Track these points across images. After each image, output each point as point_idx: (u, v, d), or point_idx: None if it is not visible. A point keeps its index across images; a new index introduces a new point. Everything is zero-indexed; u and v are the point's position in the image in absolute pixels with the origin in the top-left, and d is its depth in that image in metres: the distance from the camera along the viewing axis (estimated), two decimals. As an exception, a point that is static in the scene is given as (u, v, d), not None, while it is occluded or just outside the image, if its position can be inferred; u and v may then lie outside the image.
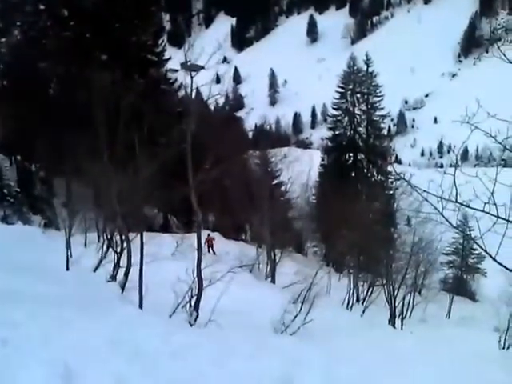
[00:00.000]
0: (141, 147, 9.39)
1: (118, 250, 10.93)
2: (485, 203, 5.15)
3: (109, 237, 12.25)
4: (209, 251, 22.71)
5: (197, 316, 9.13)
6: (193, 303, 9.24)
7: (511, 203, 5.38)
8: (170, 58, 29.09)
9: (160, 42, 29.28)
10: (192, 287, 9.22)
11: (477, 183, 5.68)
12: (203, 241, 22.79)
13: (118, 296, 9.64)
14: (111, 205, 10.84)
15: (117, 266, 10.96)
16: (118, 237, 11.16)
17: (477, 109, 5.79)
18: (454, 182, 5.29)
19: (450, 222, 5.58)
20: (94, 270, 12.12)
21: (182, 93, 28.49)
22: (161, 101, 25.00)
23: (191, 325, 8.96)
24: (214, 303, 9.25)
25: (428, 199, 5.88)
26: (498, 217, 5.13)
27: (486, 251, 5.86)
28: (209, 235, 23.89)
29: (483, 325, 24.27)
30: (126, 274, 10.01)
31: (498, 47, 6.48)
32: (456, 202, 5.26)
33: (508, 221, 5.16)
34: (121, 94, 12.88)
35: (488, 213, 5.15)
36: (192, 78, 9.02)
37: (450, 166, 6.14)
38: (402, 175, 8.18)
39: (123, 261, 10.64)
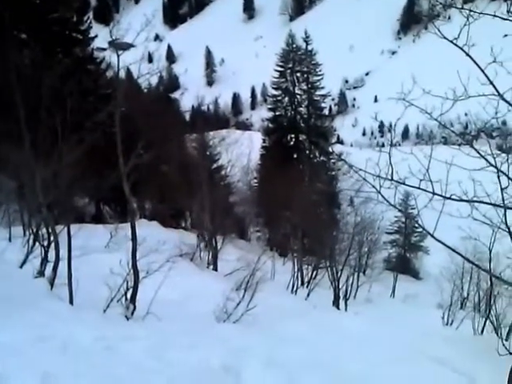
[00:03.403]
0: (65, 132, 9.06)
1: (45, 243, 10.56)
2: (420, 180, 5.35)
3: (34, 230, 11.80)
4: None
5: (134, 309, 9.01)
6: (129, 296, 9.10)
7: (447, 179, 5.63)
8: (96, 36, 28.13)
9: (85, 18, 28.24)
10: (127, 279, 9.08)
11: (414, 161, 5.89)
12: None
13: (47, 292, 9.34)
14: (35, 195, 10.45)
15: (44, 261, 10.59)
16: (44, 230, 10.77)
17: (412, 86, 5.98)
18: (390, 160, 5.45)
19: (387, 200, 5.76)
20: (21, 266, 11.66)
21: (110, 73, 27.76)
22: (87, 81, 24.19)
23: (128, 318, 8.84)
24: (153, 295, 9.16)
25: (366, 178, 6.04)
26: (433, 193, 5.33)
27: (423, 228, 6.10)
28: None
29: (427, 302, 25.45)
30: (55, 268, 9.70)
31: (433, 23, 6.69)
32: (392, 179, 5.43)
33: (444, 197, 5.38)
34: (42, 75, 12.33)
35: (423, 189, 5.34)
36: (118, 56, 8.76)
37: (391, 145, 6.33)
38: (341, 155, 8.38)
39: (51, 255, 10.30)
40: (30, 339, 5.83)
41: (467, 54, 5.55)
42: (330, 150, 45.61)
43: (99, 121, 11.29)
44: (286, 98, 46.67)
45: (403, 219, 40.21)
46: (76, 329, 6.53)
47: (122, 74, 12.00)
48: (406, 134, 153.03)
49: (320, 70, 47.37)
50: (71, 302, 8.82)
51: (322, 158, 45.58)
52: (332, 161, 44.03)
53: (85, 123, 10.48)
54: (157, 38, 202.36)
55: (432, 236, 5.93)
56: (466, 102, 6.17)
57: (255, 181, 41.81)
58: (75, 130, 9.51)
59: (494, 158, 5.76)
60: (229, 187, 34.19)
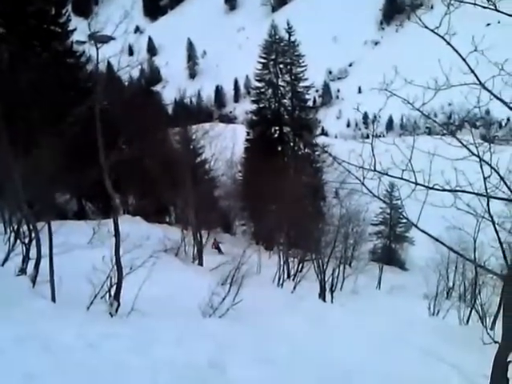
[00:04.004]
0: (44, 127, 8.96)
1: (27, 241, 10.46)
2: (403, 170, 5.38)
3: (15, 227, 11.67)
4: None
5: (118, 306, 8.96)
6: (113, 293, 9.05)
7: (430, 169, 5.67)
8: (75, 29, 27.90)
9: (64, 11, 27.99)
10: (111, 276, 9.02)
11: (398, 151, 5.92)
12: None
13: (29, 290, 9.25)
14: (15, 192, 10.32)
15: (26, 259, 10.49)
16: (25, 227, 10.66)
17: (394, 76, 6.01)
18: (372, 151, 5.48)
19: (371, 192, 5.80)
20: (2, 264, 11.56)
21: (90, 66, 27.53)
22: (67, 75, 23.96)
23: (112, 315, 8.80)
24: (137, 291, 9.11)
25: (350, 170, 6.08)
26: (416, 183, 5.37)
27: (407, 218, 6.16)
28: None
29: (413, 293, 25.70)
30: (37, 266, 9.61)
31: (414, 13, 6.72)
32: (375, 170, 5.46)
33: (426, 187, 5.43)
34: (20, 70, 12.18)
35: (406, 180, 5.38)
36: (97, 49, 8.66)
37: (377, 136, 6.35)
38: (325, 147, 8.40)
39: (33, 253, 10.21)
40: (11, 338, 5.78)
41: (448, 43, 5.59)
42: (315, 142, 45.64)
43: (79, 115, 11.18)
44: (270, 90, 46.57)
45: (388, 210, 40.51)
46: (58, 327, 6.50)
47: (103, 67, 11.88)
48: (390, 125, 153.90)
49: (303, 62, 47.33)
50: (53, 299, 8.76)
51: (306, 151, 45.63)
52: (317, 153, 44.11)
53: (64, 118, 10.36)
54: (137, 30, 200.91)
55: (416, 226, 5.98)
56: (450, 92, 6.21)
57: (240, 174, 41.78)
58: (55, 124, 9.40)
59: (477, 148, 5.82)
60: (213, 181, 34.15)
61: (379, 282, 30.19)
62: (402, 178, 5.42)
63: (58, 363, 5.48)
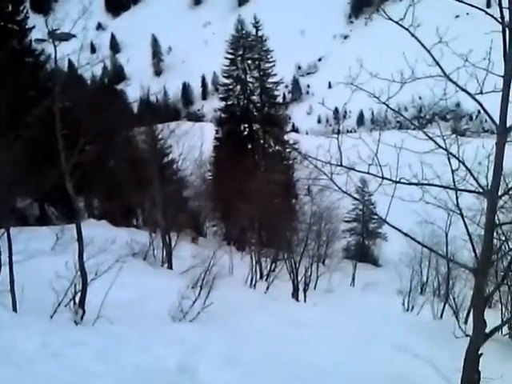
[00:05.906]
0: (2, 128, 8.78)
1: (-15, 249, 10.22)
2: (369, 165, 5.44)
3: (-27, 235, 11.40)
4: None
5: (83, 313, 8.85)
6: (77, 300, 8.93)
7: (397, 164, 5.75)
8: (33, 27, 27.42)
9: (21, 8, 27.51)
10: (75, 282, 8.91)
11: (366, 147, 5.99)
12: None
13: (-11, 300, 9.07)
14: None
15: (-15, 268, 10.26)
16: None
17: (360, 70, 6.08)
18: (339, 146, 5.53)
19: (339, 187, 5.85)
20: (-41, 275, 11.28)
21: (52, 65, 27.12)
22: (25, 75, 23.55)
23: (77, 323, 8.68)
24: (103, 297, 9.01)
25: (319, 166, 6.12)
26: (382, 177, 5.45)
27: (377, 214, 6.26)
28: None
29: (387, 289, 26.04)
30: (-4, 275, 9.43)
31: (380, 6, 6.80)
32: (341, 165, 5.51)
33: (393, 181, 5.50)
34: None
35: (372, 174, 5.45)
36: (55, 47, 8.54)
37: (347, 131, 6.38)
38: (295, 144, 8.42)
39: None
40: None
41: (412, 35, 5.67)
42: (285, 138, 45.80)
43: (38, 115, 10.98)
44: (238, 87, 46.41)
45: (361, 206, 40.89)
46: (20, 337, 6.38)
47: (65, 65, 11.70)
48: (361, 119, 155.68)
49: (271, 57, 47.31)
50: (15, 309, 8.59)
51: (277, 148, 45.70)
52: (287, 150, 44.21)
53: (23, 118, 10.18)
54: (99, 27, 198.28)
55: (385, 221, 6.06)
56: (419, 86, 6.30)
57: (209, 174, 41.61)
58: (13, 126, 9.23)
59: (444, 140, 5.92)
60: (181, 181, 33.93)
61: (353, 280, 30.53)
62: (368, 173, 5.48)
63: (21, 374, 5.39)
